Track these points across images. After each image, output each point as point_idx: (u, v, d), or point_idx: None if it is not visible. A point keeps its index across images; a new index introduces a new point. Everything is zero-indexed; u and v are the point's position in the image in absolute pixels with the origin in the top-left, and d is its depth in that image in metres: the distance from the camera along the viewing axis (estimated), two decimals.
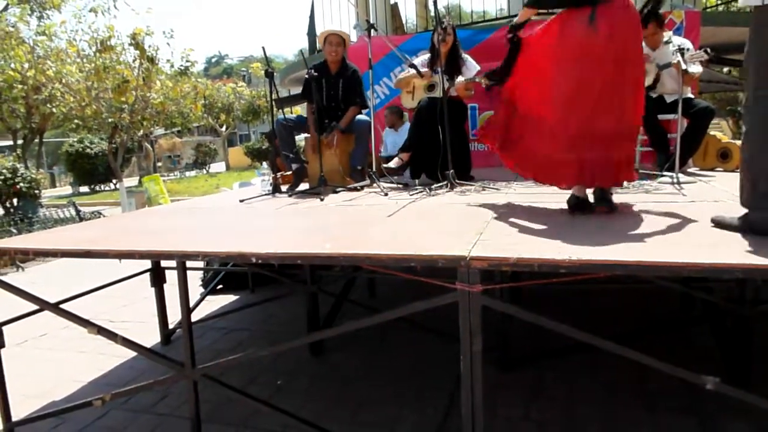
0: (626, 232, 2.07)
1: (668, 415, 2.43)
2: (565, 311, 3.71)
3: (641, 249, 1.81)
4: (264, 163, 4.52)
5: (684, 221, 2.24)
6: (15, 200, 8.76)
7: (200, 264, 4.69)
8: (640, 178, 3.64)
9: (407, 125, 5.92)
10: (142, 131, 12.86)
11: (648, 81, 4.05)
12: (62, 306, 2.64)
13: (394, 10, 8.88)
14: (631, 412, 2.48)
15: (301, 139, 4.88)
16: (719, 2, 9.55)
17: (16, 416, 2.66)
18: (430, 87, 4.16)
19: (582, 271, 1.68)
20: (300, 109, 18.91)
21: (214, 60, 70.71)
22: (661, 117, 4.16)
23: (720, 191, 3.17)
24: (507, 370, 2.89)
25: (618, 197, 3.05)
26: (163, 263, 3.70)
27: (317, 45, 8.18)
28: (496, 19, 7.21)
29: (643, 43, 3.43)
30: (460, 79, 4.04)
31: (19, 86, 11.13)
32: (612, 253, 1.74)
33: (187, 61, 12.34)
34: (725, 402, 2.24)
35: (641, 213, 2.48)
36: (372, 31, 4.12)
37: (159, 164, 25.93)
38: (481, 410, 1.80)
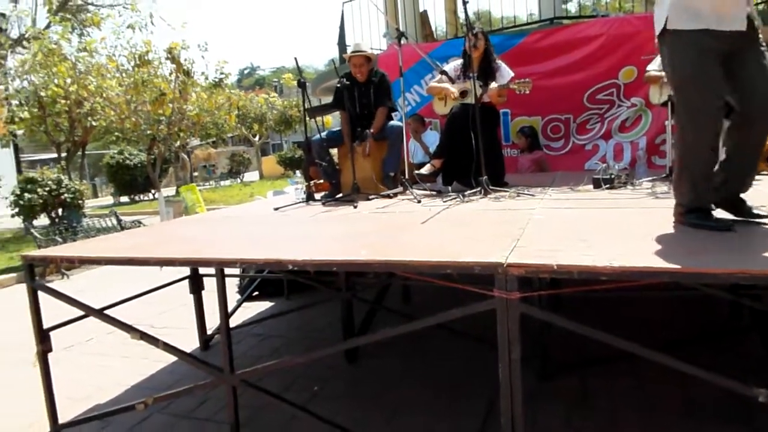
0: (669, 238, 2.02)
1: (716, 427, 2.34)
2: (605, 319, 3.63)
3: (686, 255, 1.76)
4: (297, 172, 4.58)
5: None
6: (60, 210, 9.09)
7: (236, 271, 4.77)
8: None
9: (429, 131, 5.94)
10: (178, 142, 13.18)
11: None
12: (106, 312, 2.72)
13: (424, 17, 8.90)
14: (676, 423, 2.40)
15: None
16: (760, 0, 9.22)
17: (62, 419, 2.75)
18: (463, 93, 4.15)
19: (624, 278, 1.64)
20: (332, 119, 19.08)
21: (246, 71, 72.22)
22: None
23: (765, 195, 3.05)
24: (546, 378, 2.84)
25: (657, 202, 2.99)
26: (201, 270, 3.78)
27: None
28: (527, 24, 7.15)
29: None
30: (493, 85, 4.02)
31: (63, 101, 11.56)
32: (655, 259, 1.69)
33: (221, 73, 12.61)
34: None
35: None
36: (402, 39, 4.14)
37: (195, 174, 26.53)
38: (521, 419, 1.78)
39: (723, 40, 2.05)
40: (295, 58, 3.89)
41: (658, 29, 2.15)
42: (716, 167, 2.24)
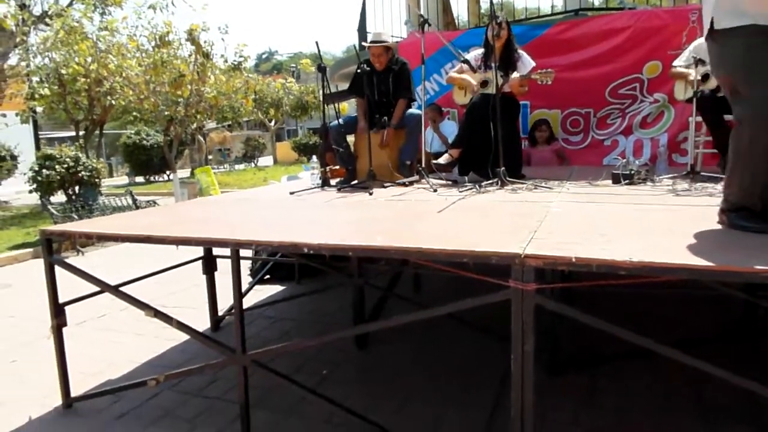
0: (690, 235, 1.98)
1: (727, 428, 2.31)
2: (615, 316, 3.59)
3: (708, 252, 1.72)
4: (314, 157, 4.59)
5: None
6: (77, 188, 9.18)
7: (249, 254, 4.80)
8: (703, 180, 3.49)
9: (446, 121, 5.90)
10: (195, 124, 13.24)
11: (713, 84, 3.89)
12: (120, 289, 2.75)
13: (446, 4, 8.81)
14: (686, 424, 2.37)
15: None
16: None
17: (74, 392, 2.80)
18: (484, 83, 4.10)
19: (643, 274, 1.61)
20: (347, 106, 19.02)
21: (264, 56, 72.19)
22: (727, 117, 3.97)
23: None
24: (556, 373, 2.82)
25: (678, 199, 2.94)
26: (215, 252, 3.80)
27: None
28: (552, 14, 7.04)
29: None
30: (515, 75, 3.97)
31: (83, 79, 11.64)
32: (676, 255, 1.66)
33: (240, 56, 12.59)
34: None
35: (704, 216, 2.37)
36: (425, 26, 4.09)
37: (210, 157, 26.65)
38: (532, 412, 1.77)
39: None
40: (316, 42, 3.86)
41: (705, 30, 2.12)
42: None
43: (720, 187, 3.33)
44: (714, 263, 1.57)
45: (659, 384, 2.70)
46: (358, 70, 4.11)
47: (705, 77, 3.92)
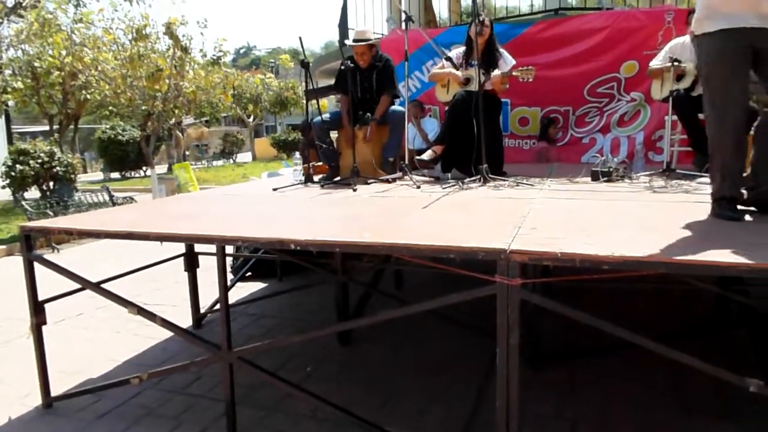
0: (666, 230, 2.04)
1: (705, 420, 2.39)
2: (594, 310, 3.66)
3: (684, 247, 1.78)
4: (296, 153, 4.57)
5: (725, 221, 2.21)
6: (51, 183, 8.98)
7: (231, 250, 4.76)
8: (678, 177, 3.58)
9: (427, 118, 5.94)
10: (173, 119, 13.03)
11: (687, 83, 3.99)
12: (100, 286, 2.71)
13: (427, 3, 8.82)
14: (666, 416, 2.44)
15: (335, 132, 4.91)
16: None
17: (54, 392, 2.75)
18: (466, 80, 4.13)
19: (625, 268, 1.66)
20: (327, 102, 18.91)
21: (242, 51, 71.34)
22: (701, 116, 4.07)
23: None
24: (538, 367, 2.87)
25: (656, 196, 3.01)
26: (196, 248, 3.77)
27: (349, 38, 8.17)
28: (531, 13, 7.12)
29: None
30: (496, 72, 4.01)
31: (57, 72, 11.37)
32: (655, 250, 1.71)
33: (219, 50, 12.44)
34: (763, 408, 2.20)
35: (681, 212, 2.44)
36: (409, 22, 4.10)
37: (187, 153, 26.27)
38: (517, 404, 1.80)
39: (745, 37, 2.13)
40: (300, 38, 3.86)
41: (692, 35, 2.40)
42: (748, 169, 2.37)
43: (695, 184, 3.45)
44: (692, 257, 1.62)
45: (641, 378, 2.76)
46: (342, 67, 4.11)
47: (680, 77, 4.01)
